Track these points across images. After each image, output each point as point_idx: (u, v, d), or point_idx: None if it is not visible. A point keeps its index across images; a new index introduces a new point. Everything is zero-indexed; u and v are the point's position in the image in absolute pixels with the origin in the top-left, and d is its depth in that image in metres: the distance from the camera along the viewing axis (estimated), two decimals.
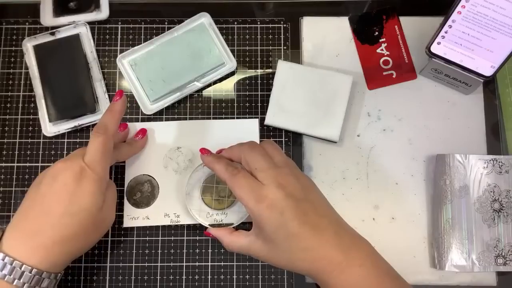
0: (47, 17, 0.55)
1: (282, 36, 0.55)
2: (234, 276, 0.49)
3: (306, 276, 0.46)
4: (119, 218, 0.50)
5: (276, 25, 0.55)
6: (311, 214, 0.39)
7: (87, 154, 0.42)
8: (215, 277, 0.49)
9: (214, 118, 0.53)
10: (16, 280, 0.38)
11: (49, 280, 0.40)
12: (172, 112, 0.53)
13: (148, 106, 0.53)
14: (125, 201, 0.50)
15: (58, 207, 0.40)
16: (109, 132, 0.44)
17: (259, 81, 0.54)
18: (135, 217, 0.50)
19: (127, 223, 0.50)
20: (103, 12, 0.55)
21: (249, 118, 0.53)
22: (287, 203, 0.38)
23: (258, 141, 0.51)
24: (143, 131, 0.51)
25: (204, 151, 0.46)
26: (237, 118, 0.53)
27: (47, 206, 0.41)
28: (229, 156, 0.44)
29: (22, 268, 0.38)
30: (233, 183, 0.41)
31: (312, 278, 0.40)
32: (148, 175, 0.51)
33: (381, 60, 0.54)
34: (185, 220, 0.50)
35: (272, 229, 0.39)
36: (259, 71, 0.54)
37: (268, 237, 0.39)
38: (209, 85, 0.54)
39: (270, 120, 0.51)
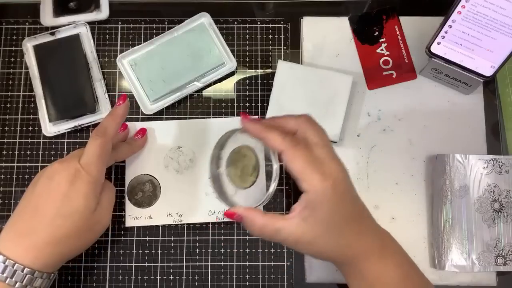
0: (47, 17, 0.55)
1: (282, 36, 0.55)
2: (234, 276, 0.49)
3: (334, 263, 0.42)
4: (120, 218, 0.50)
5: (276, 25, 0.55)
6: (359, 200, 0.39)
7: (84, 156, 0.42)
8: (215, 277, 0.49)
9: (214, 118, 0.53)
10: (8, 279, 0.39)
11: (42, 280, 0.40)
12: (172, 112, 0.53)
13: (148, 106, 0.53)
14: (126, 201, 0.50)
15: (51, 208, 0.41)
16: (108, 136, 0.44)
17: (259, 81, 0.54)
18: (138, 217, 0.50)
19: (130, 222, 0.50)
20: (103, 12, 0.55)
21: None
22: (346, 184, 0.38)
23: None
24: (143, 131, 0.51)
25: (245, 116, 0.40)
26: (237, 118, 0.53)
27: (41, 206, 0.41)
28: (281, 125, 0.40)
29: (15, 267, 0.39)
30: (293, 154, 0.37)
31: (343, 265, 0.40)
32: (149, 175, 0.51)
33: (381, 60, 0.54)
34: (188, 220, 0.50)
35: (332, 210, 0.36)
36: (259, 71, 0.54)
37: (322, 219, 0.37)
38: (209, 85, 0.54)
39: None
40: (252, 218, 0.39)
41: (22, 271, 0.39)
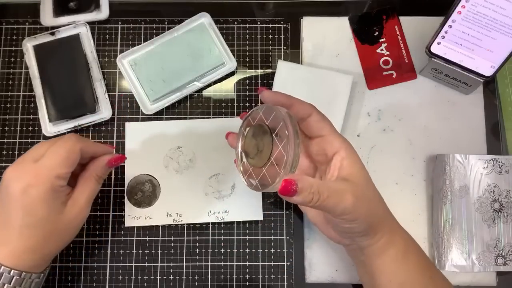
0: (47, 17, 0.55)
1: (282, 36, 0.55)
2: (234, 276, 0.49)
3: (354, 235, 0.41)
4: (120, 218, 0.50)
5: (276, 25, 0.55)
6: None
7: (46, 157, 0.40)
8: (215, 277, 0.49)
9: (214, 118, 0.53)
10: None
11: (31, 280, 0.40)
12: (172, 112, 0.53)
13: (148, 106, 0.53)
14: (126, 201, 0.50)
15: (15, 220, 0.39)
16: (80, 143, 0.41)
17: (259, 81, 0.54)
18: (137, 217, 0.50)
19: (129, 222, 0.50)
20: (103, 12, 0.55)
21: None
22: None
23: None
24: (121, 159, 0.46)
25: (266, 88, 0.42)
26: (237, 118, 0.53)
27: (7, 217, 0.40)
28: (298, 106, 0.40)
29: (1, 269, 0.39)
30: (323, 115, 0.40)
31: (362, 239, 0.39)
32: (149, 175, 0.51)
33: (381, 60, 0.54)
34: (187, 220, 0.50)
35: (365, 181, 0.40)
36: (259, 71, 0.54)
37: (362, 189, 0.39)
38: (209, 85, 0.54)
39: None
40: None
41: (9, 273, 0.39)
